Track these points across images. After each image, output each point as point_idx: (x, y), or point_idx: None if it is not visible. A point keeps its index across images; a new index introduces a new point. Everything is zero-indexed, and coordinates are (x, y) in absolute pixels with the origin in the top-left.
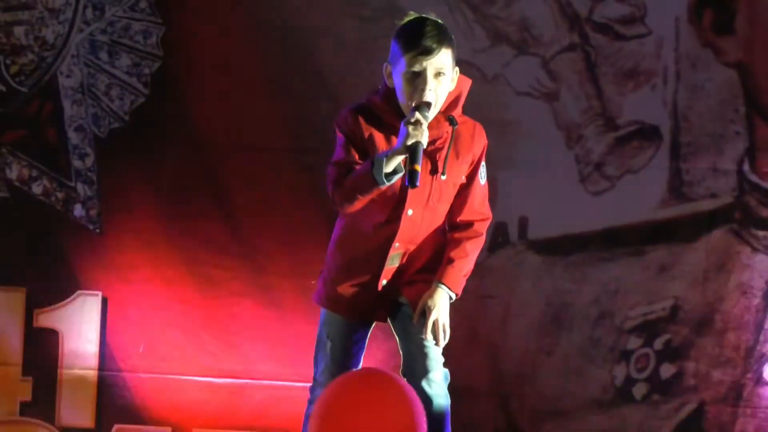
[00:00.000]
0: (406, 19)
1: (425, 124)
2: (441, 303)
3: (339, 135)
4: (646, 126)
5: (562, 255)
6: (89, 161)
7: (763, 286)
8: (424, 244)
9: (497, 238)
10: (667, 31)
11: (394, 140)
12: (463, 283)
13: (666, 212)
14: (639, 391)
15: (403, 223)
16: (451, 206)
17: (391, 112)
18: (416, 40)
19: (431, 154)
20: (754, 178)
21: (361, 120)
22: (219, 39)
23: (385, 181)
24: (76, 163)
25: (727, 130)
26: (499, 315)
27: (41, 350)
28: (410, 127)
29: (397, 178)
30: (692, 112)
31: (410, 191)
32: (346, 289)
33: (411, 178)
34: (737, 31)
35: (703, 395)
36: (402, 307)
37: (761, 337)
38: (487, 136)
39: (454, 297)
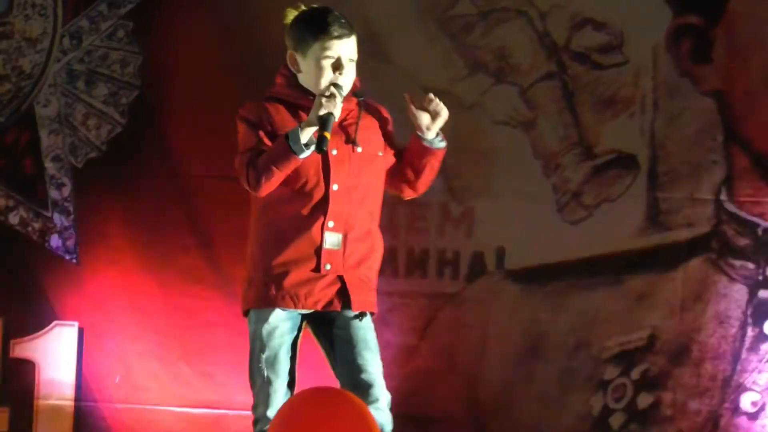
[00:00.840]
0: (302, 9)
1: (339, 98)
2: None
3: (242, 126)
4: (624, 155)
5: (539, 284)
6: (66, 191)
7: (740, 316)
8: (360, 232)
9: (474, 268)
10: (644, 60)
11: (305, 117)
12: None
13: (643, 241)
14: (616, 421)
15: (332, 198)
16: (398, 166)
17: (298, 94)
18: (330, 26)
19: (345, 129)
20: (731, 207)
21: (268, 105)
22: (196, 68)
23: (302, 151)
24: (53, 194)
25: (705, 159)
26: (477, 344)
27: (18, 380)
28: (323, 99)
29: (311, 150)
30: (670, 141)
31: (332, 165)
32: (295, 279)
33: (319, 142)
34: (715, 60)
35: (680, 425)
36: (336, 329)
37: (738, 367)
38: (465, 164)
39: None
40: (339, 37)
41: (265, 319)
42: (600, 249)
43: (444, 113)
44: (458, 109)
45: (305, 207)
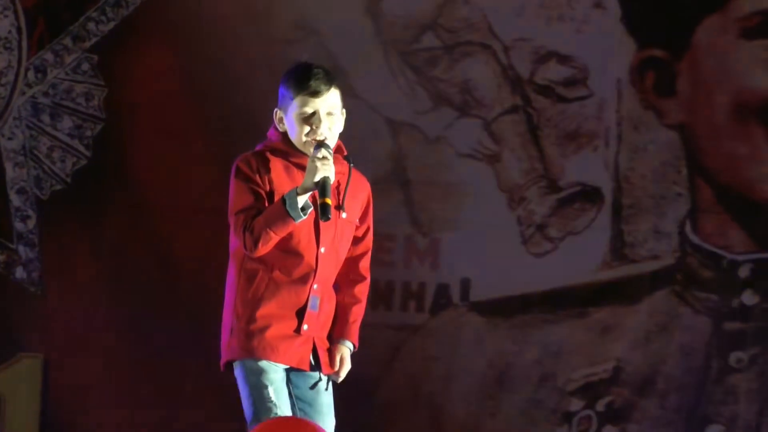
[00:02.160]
0: (293, 67)
1: (331, 160)
2: (348, 359)
3: (239, 181)
4: (588, 188)
5: (504, 316)
6: (31, 223)
7: (704, 348)
8: (329, 295)
9: (439, 300)
10: (608, 93)
11: (298, 177)
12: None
13: (608, 274)
14: None
15: (320, 261)
16: (353, 254)
17: (293, 152)
18: (306, 82)
19: (335, 193)
20: (695, 239)
21: (266, 160)
22: (160, 101)
23: (299, 216)
24: (18, 226)
25: (669, 192)
26: (442, 376)
27: None
28: (318, 163)
29: (308, 213)
30: (634, 174)
31: (321, 229)
32: (276, 334)
33: (323, 211)
34: (679, 93)
35: None
36: (298, 389)
37: (703, 399)
38: (430, 197)
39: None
40: (316, 93)
41: (256, 368)
42: (565, 281)
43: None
44: (423, 142)
45: (296, 267)
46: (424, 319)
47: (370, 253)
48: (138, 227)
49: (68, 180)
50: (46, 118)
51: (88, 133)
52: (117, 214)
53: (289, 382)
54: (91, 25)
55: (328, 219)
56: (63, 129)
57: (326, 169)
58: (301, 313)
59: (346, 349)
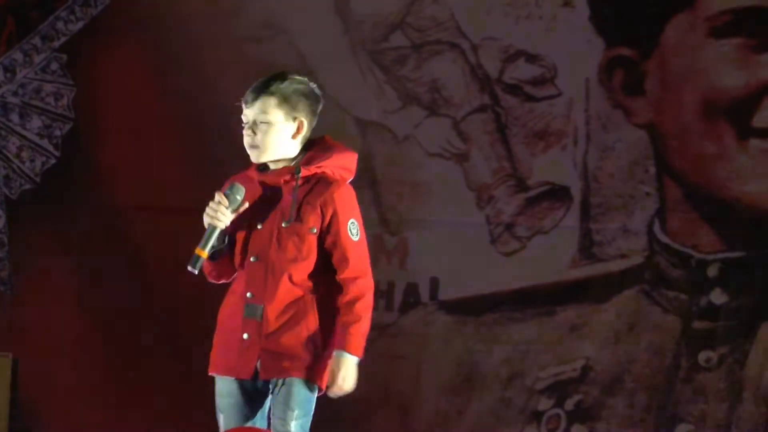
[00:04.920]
0: None
1: (225, 206)
2: (350, 372)
3: None
4: (557, 187)
5: (473, 315)
6: (0, 223)
7: (673, 347)
8: (288, 303)
9: (408, 299)
10: (577, 92)
11: (256, 190)
12: (363, 343)
13: (577, 272)
14: None
15: (249, 269)
16: (333, 267)
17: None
18: (247, 91)
19: (275, 200)
20: (664, 238)
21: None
22: (129, 101)
23: (196, 263)
24: None
25: (638, 191)
26: (411, 375)
27: None
28: (208, 209)
29: (210, 250)
30: (602, 173)
31: (251, 239)
32: (222, 347)
33: (194, 260)
34: (647, 92)
35: None
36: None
37: (672, 398)
38: (399, 196)
39: (357, 360)
40: (245, 101)
41: (216, 383)
42: (533, 280)
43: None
44: (392, 141)
45: (235, 278)
46: (393, 317)
47: (348, 265)
48: (107, 226)
49: (37, 179)
50: (15, 118)
51: (57, 132)
52: (86, 213)
53: (268, 397)
54: (60, 25)
55: (193, 270)
56: (32, 128)
57: (215, 217)
58: (242, 323)
59: (334, 360)
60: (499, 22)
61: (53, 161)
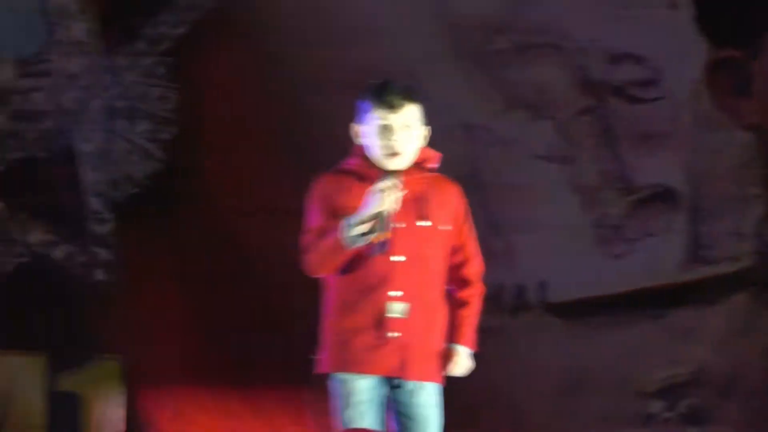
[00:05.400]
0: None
1: (395, 190)
2: (467, 365)
3: (309, 202)
4: (664, 189)
5: (581, 318)
6: (108, 226)
7: None
8: (429, 301)
9: (517, 302)
10: (683, 94)
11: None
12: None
13: (686, 275)
14: None
15: (389, 267)
16: (457, 262)
17: (369, 166)
18: (383, 96)
19: (413, 202)
20: None
21: (337, 180)
22: (235, 103)
23: (353, 243)
24: (96, 228)
25: (746, 193)
26: (520, 378)
27: (64, 415)
28: (378, 194)
29: (366, 240)
30: (710, 175)
31: (395, 238)
32: (360, 345)
33: (380, 245)
34: (754, 94)
35: None
36: (399, 398)
37: None
38: (505, 200)
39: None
40: (391, 106)
41: (344, 381)
42: (642, 283)
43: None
44: (496, 144)
45: (369, 276)
46: (501, 321)
47: (475, 260)
48: (214, 229)
49: (144, 183)
50: (121, 122)
51: (164, 136)
52: (192, 216)
53: (391, 394)
54: (165, 29)
55: (384, 252)
56: (139, 132)
57: (385, 202)
58: (380, 322)
59: (454, 353)
60: (604, 24)
61: (160, 165)
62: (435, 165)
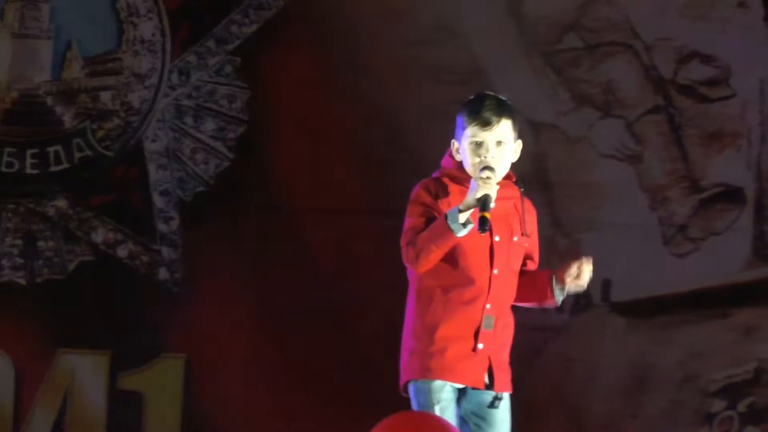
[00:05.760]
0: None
1: (494, 180)
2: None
3: (413, 206)
4: (731, 188)
5: (645, 317)
6: (174, 225)
7: None
8: (506, 315)
9: (580, 300)
10: (752, 93)
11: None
12: None
13: (751, 274)
14: None
15: (493, 283)
16: (526, 269)
17: (468, 179)
18: (478, 113)
19: (506, 216)
20: None
21: (444, 186)
22: (303, 103)
23: (460, 230)
24: (161, 227)
25: None
26: (584, 377)
27: (125, 413)
28: (480, 181)
29: (468, 229)
30: None
31: (495, 252)
32: (454, 354)
33: (482, 223)
34: None
35: None
36: (475, 407)
37: None
38: (571, 198)
39: None
40: (486, 123)
41: (428, 388)
42: (707, 282)
43: (582, 284)
44: (565, 142)
45: (470, 288)
46: (564, 319)
47: (536, 263)
48: (279, 228)
49: (211, 182)
50: (189, 120)
51: (231, 135)
52: (259, 215)
53: (462, 398)
54: (234, 28)
55: (485, 231)
56: (206, 131)
57: (487, 188)
58: (476, 333)
59: (569, 271)
60: (673, 22)
61: (227, 164)
62: (515, 180)
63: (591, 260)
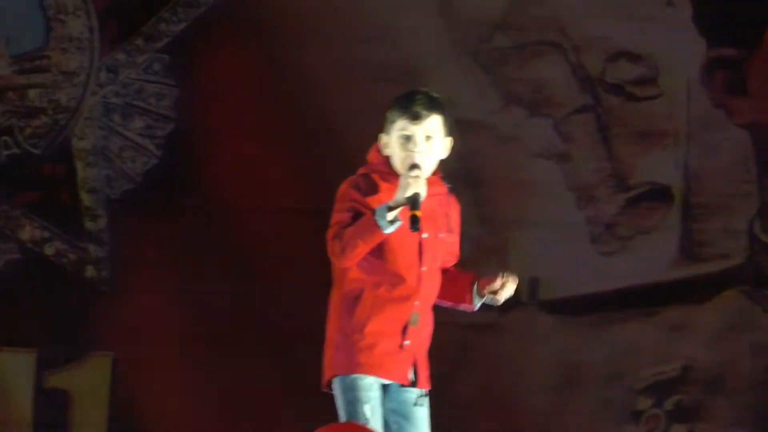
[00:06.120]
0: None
1: (423, 179)
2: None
3: (340, 203)
4: (658, 187)
5: (573, 315)
6: (101, 223)
7: None
8: (428, 312)
9: (508, 299)
10: (679, 92)
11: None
12: None
13: (677, 273)
14: None
15: (422, 280)
16: (447, 266)
17: (396, 175)
18: (408, 106)
19: (434, 213)
20: (765, 238)
21: (373, 182)
22: (232, 100)
23: (387, 227)
24: (89, 225)
25: (739, 191)
26: (511, 375)
27: (52, 412)
28: (410, 179)
29: (396, 227)
30: (704, 173)
31: (424, 249)
32: (383, 350)
33: (413, 221)
34: (749, 92)
35: None
36: (396, 403)
37: None
38: (499, 197)
39: None
40: (414, 117)
41: (356, 384)
42: (634, 280)
43: (500, 299)
44: (493, 141)
45: (399, 285)
46: (493, 317)
47: (456, 259)
48: (208, 226)
49: (139, 180)
50: (117, 118)
51: (159, 133)
52: (187, 213)
53: (384, 396)
54: (163, 26)
55: (417, 230)
56: (134, 129)
57: (417, 186)
58: (403, 330)
59: (488, 281)
60: (601, 22)
61: (155, 161)
62: (441, 175)
63: (516, 279)
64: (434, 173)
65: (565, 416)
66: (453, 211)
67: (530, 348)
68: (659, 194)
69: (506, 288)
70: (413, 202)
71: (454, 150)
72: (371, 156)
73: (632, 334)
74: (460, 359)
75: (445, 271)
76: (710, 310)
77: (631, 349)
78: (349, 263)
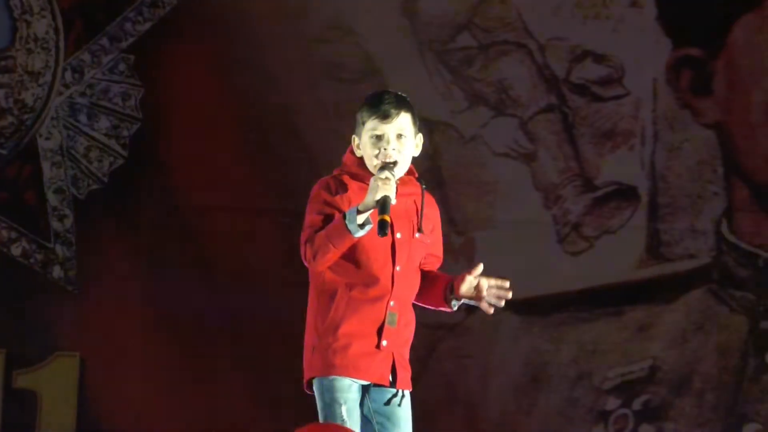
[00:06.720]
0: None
1: (393, 181)
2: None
3: (312, 204)
4: (624, 186)
5: (540, 315)
6: (68, 223)
7: (740, 347)
8: (408, 312)
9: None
10: (644, 92)
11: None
12: None
13: (644, 272)
14: None
15: (396, 280)
16: (428, 268)
17: (369, 176)
18: (377, 106)
19: (408, 213)
20: (732, 238)
21: (344, 184)
22: (197, 101)
23: (357, 231)
24: (55, 225)
25: (705, 191)
26: (478, 375)
27: (19, 411)
28: (380, 182)
29: (366, 230)
30: (670, 173)
31: (397, 249)
32: (358, 351)
33: (381, 227)
34: (715, 92)
35: None
36: (376, 404)
37: (740, 398)
38: (465, 196)
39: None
40: (386, 116)
41: (333, 386)
42: (601, 280)
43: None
44: (459, 141)
45: (373, 285)
46: (460, 317)
47: (440, 261)
48: (174, 226)
49: (105, 179)
50: (83, 118)
51: (125, 133)
52: (153, 213)
53: (366, 397)
54: (128, 26)
55: (385, 235)
56: (100, 129)
57: (387, 189)
58: (380, 330)
59: (464, 282)
60: (566, 22)
61: (121, 161)
62: (417, 176)
63: (508, 285)
64: (409, 173)
65: (532, 416)
66: (431, 210)
67: (497, 348)
68: (625, 194)
69: (483, 290)
70: (382, 205)
71: (421, 149)
72: (345, 157)
73: (599, 334)
74: (427, 359)
75: (425, 274)
76: (677, 309)
77: (598, 349)
78: (322, 268)
